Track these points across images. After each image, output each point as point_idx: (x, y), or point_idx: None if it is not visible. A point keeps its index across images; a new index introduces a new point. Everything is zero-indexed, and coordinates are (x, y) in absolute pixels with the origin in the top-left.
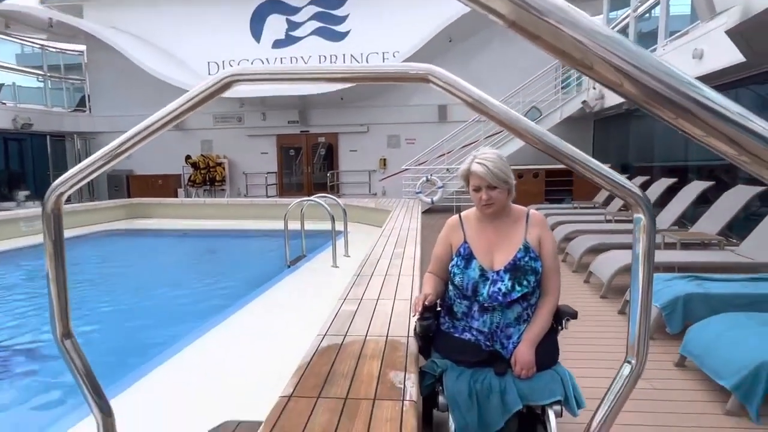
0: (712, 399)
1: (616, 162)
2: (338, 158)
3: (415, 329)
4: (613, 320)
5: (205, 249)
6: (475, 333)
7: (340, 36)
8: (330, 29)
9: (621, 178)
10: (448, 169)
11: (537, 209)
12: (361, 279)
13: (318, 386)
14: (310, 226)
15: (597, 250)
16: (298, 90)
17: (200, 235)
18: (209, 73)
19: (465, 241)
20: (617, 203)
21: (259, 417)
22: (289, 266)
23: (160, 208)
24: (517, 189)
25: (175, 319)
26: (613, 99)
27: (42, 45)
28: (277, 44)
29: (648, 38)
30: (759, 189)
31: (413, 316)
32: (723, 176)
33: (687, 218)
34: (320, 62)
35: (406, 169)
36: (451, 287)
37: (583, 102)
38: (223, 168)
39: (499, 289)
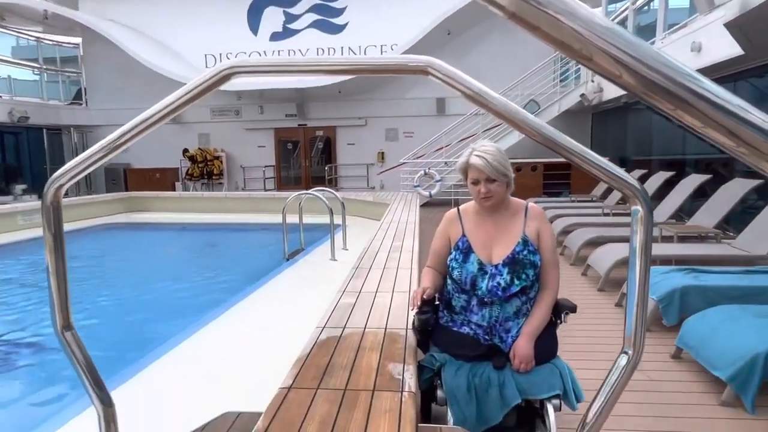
0: (708, 390)
1: (613, 155)
2: (336, 152)
3: (413, 323)
4: (611, 313)
5: (203, 242)
6: (473, 327)
7: (338, 28)
8: (328, 22)
9: (619, 170)
10: (446, 163)
11: (535, 202)
12: (360, 272)
13: (317, 378)
14: (308, 219)
15: (595, 243)
16: (296, 83)
17: (199, 229)
18: (206, 66)
19: (463, 235)
20: (615, 197)
21: (259, 408)
22: (287, 260)
23: (158, 202)
24: (515, 182)
25: (174, 313)
26: (611, 92)
27: (37, 37)
28: (275, 37)
29: (647, 31)
30: (755, 182)
31: (411, 310)
32: (720, 169)
33: (684, 211)
34: (318, 55)
35: (404, 163)
36: (449, 281)
37: (582, 95)
38: (221, 161)
39: (498, 283)
